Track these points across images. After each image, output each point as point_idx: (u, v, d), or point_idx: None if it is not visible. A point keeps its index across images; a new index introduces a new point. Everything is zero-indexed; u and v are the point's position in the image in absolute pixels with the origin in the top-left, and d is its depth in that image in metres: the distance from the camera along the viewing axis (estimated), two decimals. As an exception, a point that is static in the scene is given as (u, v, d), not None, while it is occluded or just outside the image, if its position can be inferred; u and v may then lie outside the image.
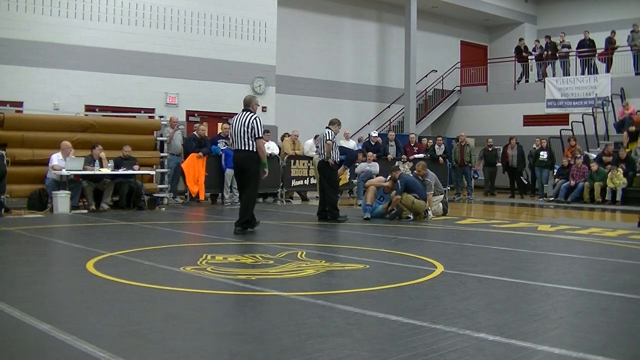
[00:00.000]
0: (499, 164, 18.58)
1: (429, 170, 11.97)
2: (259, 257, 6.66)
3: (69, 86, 14.94)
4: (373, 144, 16.43)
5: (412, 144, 17.33)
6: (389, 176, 11.57)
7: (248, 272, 5.82)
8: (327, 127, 10.99)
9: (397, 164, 14.22)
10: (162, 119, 14.35)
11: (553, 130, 19.58)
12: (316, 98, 20.86)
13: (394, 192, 11.19)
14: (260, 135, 8.63)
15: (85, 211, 11.65)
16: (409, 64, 21.93)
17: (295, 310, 4.55)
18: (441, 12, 24.68)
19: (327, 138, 10.80)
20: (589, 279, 6.05)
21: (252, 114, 8.71)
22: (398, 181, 11.18)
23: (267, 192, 15.22)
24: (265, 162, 8.83)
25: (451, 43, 25.73)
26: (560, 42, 22.05)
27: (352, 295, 5.02)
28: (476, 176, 18.32)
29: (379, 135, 17.48)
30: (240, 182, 9.03)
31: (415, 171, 12.02)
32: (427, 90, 23.98)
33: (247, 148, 8.60)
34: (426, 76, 23.78)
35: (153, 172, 13.29)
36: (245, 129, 8.57)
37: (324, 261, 6.56)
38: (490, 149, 18.51)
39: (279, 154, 15.11)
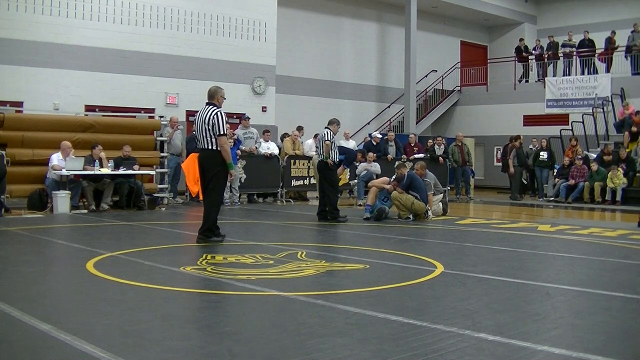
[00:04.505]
0: (514, 165, 17.64)
1: (428, 170, 11.98)
2: (259, 257, 6.66)
3: (69, 86, 14.93)
4: (375, 144, 16.44)
5: (412, 144, 17.31)
6: (393, 177, 11.52)
7: (248, 272, 5.81)
8: (325, 127, 10.98)
9: (397, 164, 14.19)
10: (162, 119, 14.36)
11: (553, 130, 19.57)
12: (316, 98, 20.86)
13: (396, 183, 11.15)
14: (223, 132, 7.68)
15: (85, 211, 11.66)
16: (409, 64, 21.93)
17: (295, 310, 4.55)
18: (441, 12, 24.68)
19: (325, 139, 10.80)
20: (589, 279, 6.04)
21: (214, 108, 7.77)
22: (406, 174, 11.16)
23: (267, 192, 15.24)
24: (230, 162, 7.80)
25: (451, 43, 25.73)
26: (568, 40, 22.01)
27: (352, 295, 5.01)
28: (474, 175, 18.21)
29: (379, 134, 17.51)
30: (203, 185, 8.00)
31: (414, 171, 12.01)
32: (427, 90, 23.98)
33: (209, 147, 7.70)
34: (426, 76, 23.80)
35: (153, 172, 13.29)
36: (207, 126, 7.66)
37: (324, 261, 6.56)
38: (520, 147, 17.27)
39: (279, 154, 15.11)
